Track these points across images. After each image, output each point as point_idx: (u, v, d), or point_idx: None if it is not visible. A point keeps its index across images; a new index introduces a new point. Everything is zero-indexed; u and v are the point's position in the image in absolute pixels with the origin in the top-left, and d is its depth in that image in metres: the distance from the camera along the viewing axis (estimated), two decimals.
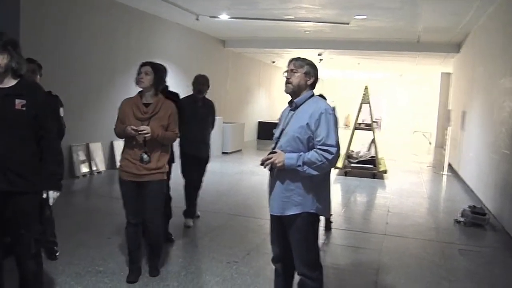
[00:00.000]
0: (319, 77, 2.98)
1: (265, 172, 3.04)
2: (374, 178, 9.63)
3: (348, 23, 10.03)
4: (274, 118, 15.73)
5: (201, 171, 5.63)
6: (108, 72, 8.84)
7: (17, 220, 2.77)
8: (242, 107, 16.46)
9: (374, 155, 10.07)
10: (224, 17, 10.12)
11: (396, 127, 25.43)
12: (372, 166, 9.91)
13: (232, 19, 10.30)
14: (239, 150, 13.36)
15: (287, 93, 2.97)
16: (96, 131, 8.50)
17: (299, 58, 2.97)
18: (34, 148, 2.79)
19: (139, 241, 3.86)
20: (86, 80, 8.30)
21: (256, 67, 17.91)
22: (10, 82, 2.74)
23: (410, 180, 9.90)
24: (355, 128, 10.38)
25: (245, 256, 4.50)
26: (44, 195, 2.79)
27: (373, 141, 10.38)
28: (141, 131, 3.55)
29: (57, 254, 4.17)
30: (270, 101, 20.00)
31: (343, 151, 10.44)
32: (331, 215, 5.53)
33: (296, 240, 2.90)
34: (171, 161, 4.20)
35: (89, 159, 8.33)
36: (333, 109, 2.86)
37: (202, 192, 5.71)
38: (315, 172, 2.78)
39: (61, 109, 4.19)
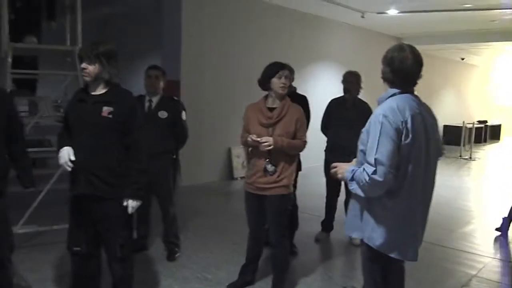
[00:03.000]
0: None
1: None
2: None
3: None
4: (461, 122, 13.99)
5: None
6: None
7: (102, 224, 2.85)
8: None
9: None
10: (392, 12, 9.36)
11: None
12: None
13: (402, 14, 9.46)
14: None
15: None
16: None
17: None
18: (120, 154, 2.80)
19: (256, 254, 3.68)
20: (248, 83, 8.52)
21: (442, 65, 16.19)
22: (101, 90, 2.82)
23: None
24: None
25: None
26: (124, 203, 2.80)
27: None
28: (263, 142, 3.28)
29: (176, 255, 4.26)
30: (460, 102, 17.99)
31: None
32: None
33: (363, 271, 2.41)
34: (297, 169, 3.86)
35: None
36: (385, 116, 2.17)
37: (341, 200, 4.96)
38: (361, 193, 2.20)
39: (183, 113, 4.27)
